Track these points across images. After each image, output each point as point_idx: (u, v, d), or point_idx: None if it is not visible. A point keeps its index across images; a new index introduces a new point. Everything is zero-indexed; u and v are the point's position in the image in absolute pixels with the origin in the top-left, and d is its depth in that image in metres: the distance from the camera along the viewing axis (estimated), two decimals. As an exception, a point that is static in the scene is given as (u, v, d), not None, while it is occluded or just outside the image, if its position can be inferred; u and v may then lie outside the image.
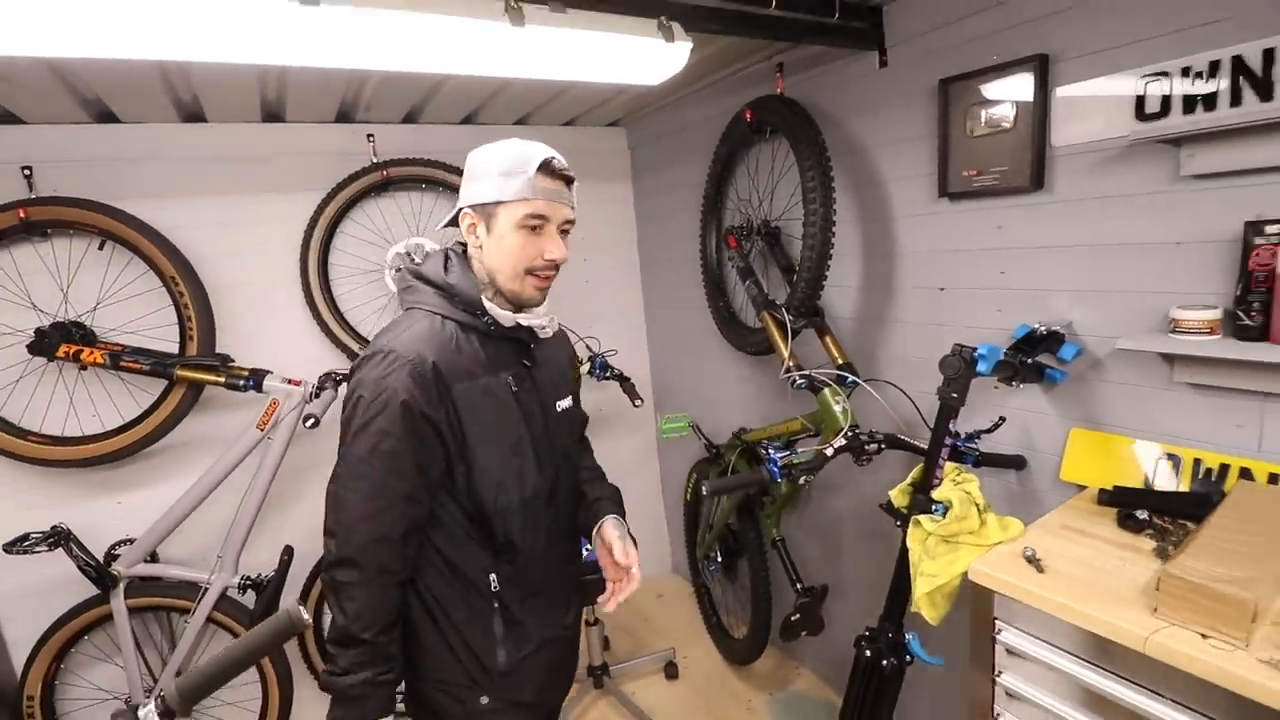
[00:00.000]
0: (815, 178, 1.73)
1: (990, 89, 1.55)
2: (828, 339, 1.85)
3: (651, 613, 2.93)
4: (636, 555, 1.20)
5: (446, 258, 1.14)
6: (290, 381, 1.96)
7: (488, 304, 1.10)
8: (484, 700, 1.14)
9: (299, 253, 2.24)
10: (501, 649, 1.13)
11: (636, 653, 2.58)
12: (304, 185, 2.23)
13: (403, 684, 1.12)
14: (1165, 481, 1.36)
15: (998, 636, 1.21)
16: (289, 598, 2.08)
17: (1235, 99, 1.18)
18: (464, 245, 1.15)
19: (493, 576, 1.12)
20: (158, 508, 1.93)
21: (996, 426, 1.57)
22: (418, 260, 1.85)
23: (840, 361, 1.79)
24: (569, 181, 1.11)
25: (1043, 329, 1.47)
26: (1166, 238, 1.32)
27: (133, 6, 0.94)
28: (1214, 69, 1.20)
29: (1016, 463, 1.63)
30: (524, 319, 1.12)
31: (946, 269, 1.76)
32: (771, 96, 1.95)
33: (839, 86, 1.95)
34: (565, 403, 1.23)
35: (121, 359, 1.84)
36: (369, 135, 2.30)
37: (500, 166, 1.07)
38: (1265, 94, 1.14)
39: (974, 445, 1.55)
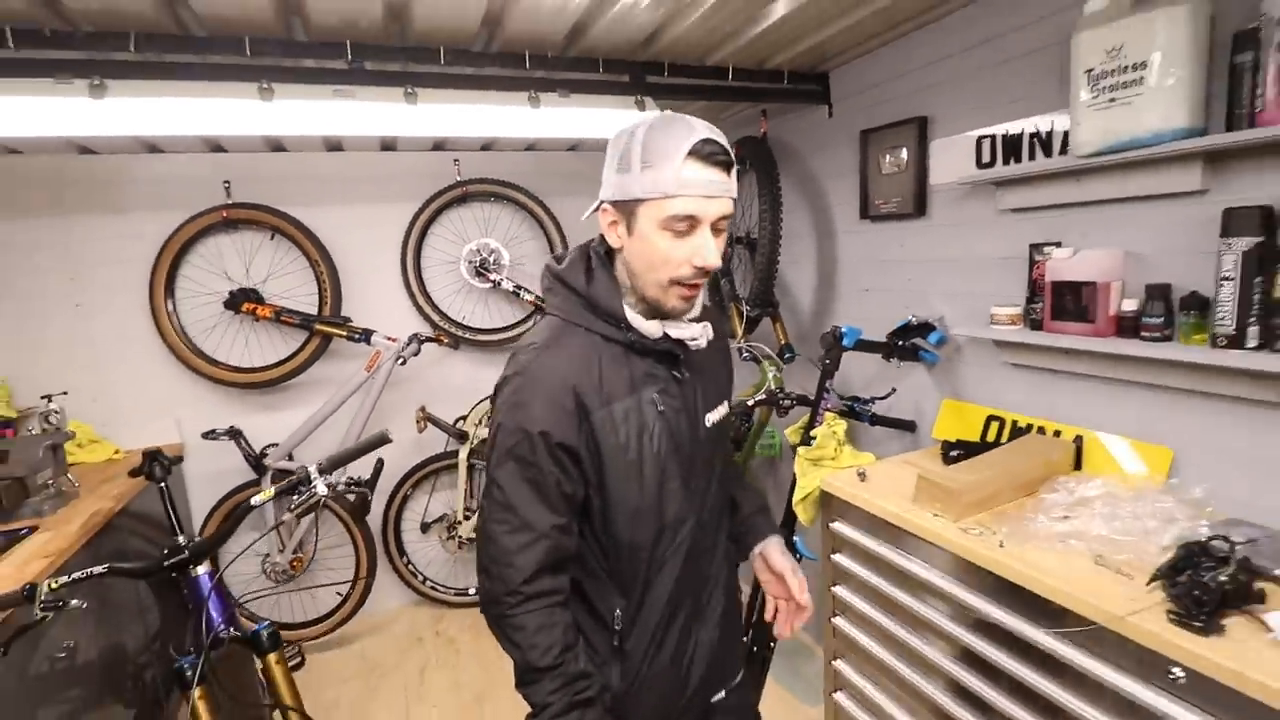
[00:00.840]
0: (768, 202, 2.28)
1: (892, 139, 2.06)
2: (777, 325, 2.40)
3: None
4: (798, 578, 1.13)
5: (588, 259, 1.00)
6: (389, 338, 2.72)
7: (630, 315, 0.96)
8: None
9: (400, 246, 3.01)
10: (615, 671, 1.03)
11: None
12: (407, 197, 3.00)
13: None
14: (991, 436, 1.82)
15: (832, 526, 1.74)
16: (379, 500, 2.85)
17: (1030, 156, 1.65)
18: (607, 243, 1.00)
19: (617, 613, 1.01)
20: (295, 423, 2.75)
21: (889, 395, 2.07)
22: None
23: (782, 341, 2.34)
24: (728, 167, 0.91)
25: (915, 320, 1.96)
26: (994, 254, 1.79)
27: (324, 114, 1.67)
28: (1018, 136, 1.68)
29: (909, 426, 2.11)
30: (673, 330, 0.98)
31: (871, 274, 2.26)
32: (748, 137, 2.51)
33: (803, 130, 2.49)
34: (718, 414, 1.09)
35: (281, 315, 2.67)
36: (455, 159, 3.04)
37: (641, 154, 0.88)
38: (1047, 153, 1.61)
39: (868, 407, 2.05)
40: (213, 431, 2.61)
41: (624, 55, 2.00)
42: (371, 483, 2.56)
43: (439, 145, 3.03)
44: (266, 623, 1.51)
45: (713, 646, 1.09)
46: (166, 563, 1.39)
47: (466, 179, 3.04)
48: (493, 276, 3.04)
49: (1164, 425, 1.45)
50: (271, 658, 1.42)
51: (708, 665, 1.09)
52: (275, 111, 1.65)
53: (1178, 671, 1.00)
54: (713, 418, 1.08)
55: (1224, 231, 1.24)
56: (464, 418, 3.04)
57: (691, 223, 0.90)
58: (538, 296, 3.09)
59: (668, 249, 0.91)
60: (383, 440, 1.64)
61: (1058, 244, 1.61)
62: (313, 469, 1.51)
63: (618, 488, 0.97)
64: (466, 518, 3.06)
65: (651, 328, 0.97)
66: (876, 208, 2.15)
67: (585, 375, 0.94)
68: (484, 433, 2.99)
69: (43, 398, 2.24)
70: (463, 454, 3.03)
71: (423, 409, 2.94)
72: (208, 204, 2.67)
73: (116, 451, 2.57)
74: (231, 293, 2.70)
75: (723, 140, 0.91)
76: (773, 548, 1.16)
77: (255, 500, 1.48)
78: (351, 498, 2.80)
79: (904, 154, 2.02)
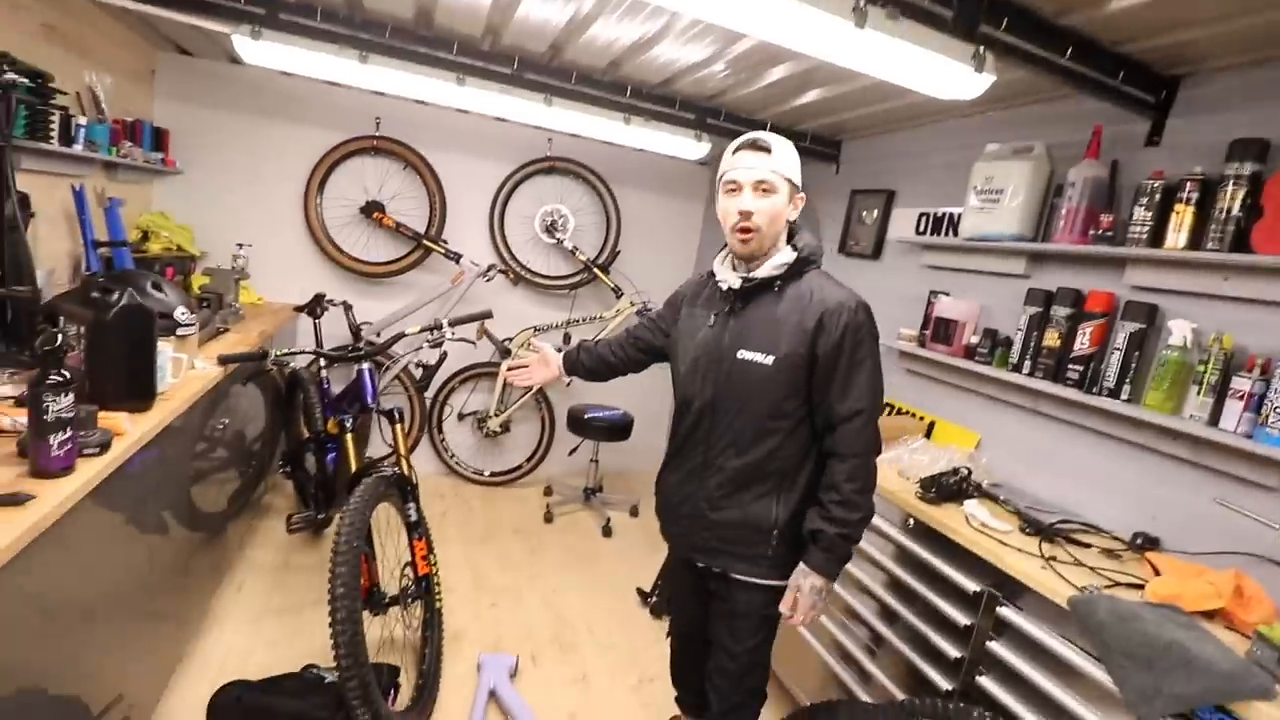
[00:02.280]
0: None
1: (870, 201, 2.87)
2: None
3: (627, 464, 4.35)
4: (807, 614, 1.40)
5: None
6: (473, 262, 3.57)
7: (718, 265, 1.47)
8: None
9: (493, 195, 3.85)
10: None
11: (620, 493, 4.00)
12: (507, 159, 3.83)
13: None
14: (887, 413, 2.63)
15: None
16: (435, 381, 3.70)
17: (946, 233, 2.46)
18: None
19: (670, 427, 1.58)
20: (388, 310, 3.60)
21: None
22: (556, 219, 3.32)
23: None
24: (765, 150, 1.33)
25: (854, 328, 2.76)
26: (912, 293, 2.60)
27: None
28: (941, 216, 2.48)
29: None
30: (721, 274, 1.44)
31: (837, 294, 3.08)
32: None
33: (817, 181, 3.30)
34: (754, 355, 1.37)
35: (400, 226, 3.52)
36: (549, 138, 3.86)
37: (724, 154, 1.41)
38: (955, 233, 2.42)
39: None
40: (331, 300, 3.46)
41: (696, 101, 2.82)
42: (436, 366, 3.30)
43: (539, 124, 3.85)
44: (399, 406, 2.33)
45: (706, 513, 1.46)
46: (351, 353, 2.24)
47: (555, 155, 3.86)
48: (558, 235, 3.87)
49: (978, 417, 2.27)
50: (398, 426, 2.24)
51: (698, 524, 1.49)
52: (463, 94, 2.50)
53: (911, 521, 1.83)
54: (746, 355, 1.38)
55: (1025, 301, 2.05)
56: (510, 339, 3.87)
57: (736, 186, 1.35)
58: (589, 258, 3.92)
59: (725, 204, 1.38)
60: (487, 314, 2.48)
61: (947, 294, 2.43)
62: (444, 320, 2.34)
63: (674, 355, 1.54)
64: (495, 415, 3.91)
65: (721, 271, 1.45)
66: (850, 247, 2.96)
67: (693, 287, 1.58)
68: (525, 353, 3.83)
69: (237, 244, 3.07)
70: (504, 366, 3.85)
71: (483, 324, 3.77)
72: (362, 131, 3.51)
73: (259, 299, 3.43)
74: (367, 202, 3.55)
75: (769, 138, 1.35)
76: (802, 577, 1.39)
77: (408, 330, 2.31)
78: (418, 374, 3.64)
79: (876, 213, 2.83)
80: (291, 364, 3.07)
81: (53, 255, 2.39)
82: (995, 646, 1.53)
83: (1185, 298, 1.72)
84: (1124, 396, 1.76)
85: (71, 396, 1.27)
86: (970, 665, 1.59)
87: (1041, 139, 2.07)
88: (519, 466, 4.05)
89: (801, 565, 1.40)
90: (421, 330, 2.36)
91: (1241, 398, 1.51)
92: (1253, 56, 1.66)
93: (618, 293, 3.89)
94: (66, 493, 1.22)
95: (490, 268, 3.59)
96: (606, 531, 3.56)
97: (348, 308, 3.48)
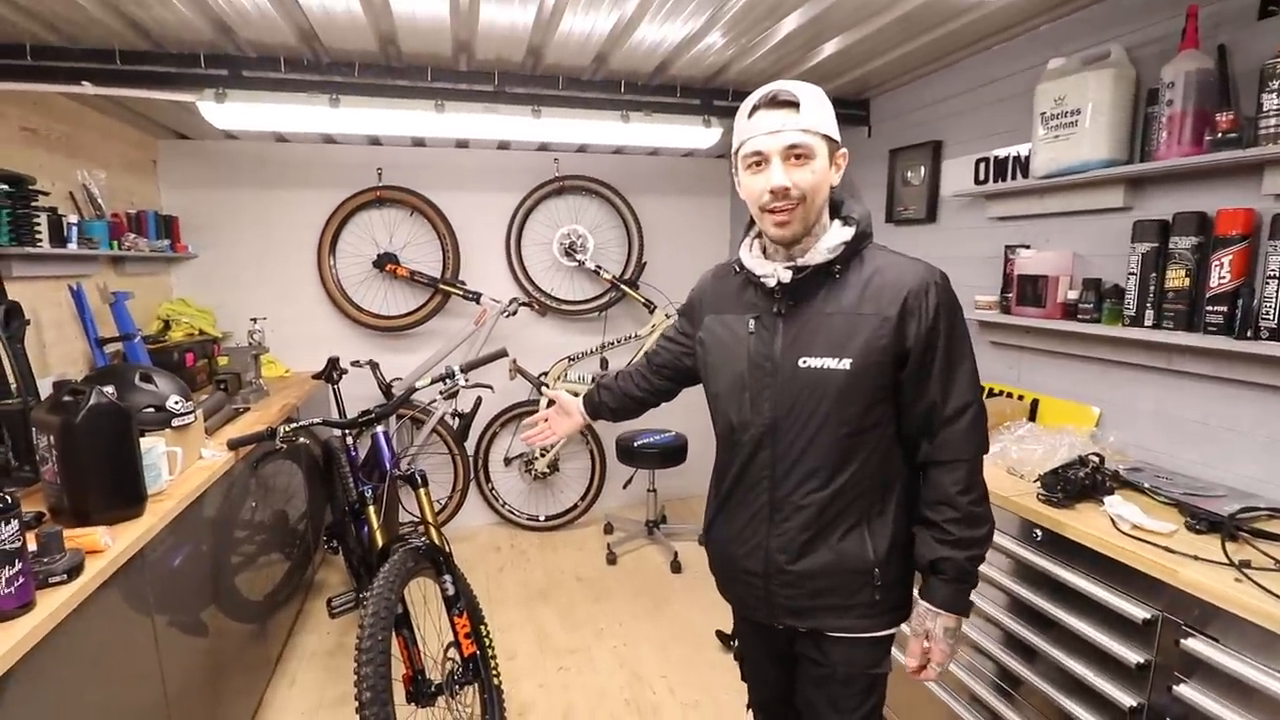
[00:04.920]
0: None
1: (914, 158, 2.51)
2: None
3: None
4: (942, 663, 1.14)
5: None
6: (494, 300, 3.38)
7: (745, 254, 1.17)
8: None
9: (506, 228, 3.67)
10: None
11: (685, 521, 3.71)
12: (515, 188, 3.65)
13: None
14: (972, 400, 2.25)
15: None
16: (474, 430, 3.51)
17: (1012, 177, 2.08)
18: None
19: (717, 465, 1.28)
20: (417, 362, 3.45)
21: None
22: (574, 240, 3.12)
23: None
24: (793, 106, 1.04)
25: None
26: (981, 253, 2.23)
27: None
28: (1005, 159, 2.11)
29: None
30: (757, 267, 1.13)
31: (892, 269, 2.71)
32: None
33: (852, 148, 2.94)
34: (822, 362, 1.09)
35: (414, 275, 3.38)
36: (555, 159, 3.67)
37: (735, 121, 1.11)
38: (1025, 175, 2.04)
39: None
40: (357, 361, 3.33)
41: (696, 83, 2.54)
42: (472, 414, 3.14)
43: (544, 146, 3.66)
44: (421, 468, 2.13)
45: (785, 566, 1.15)
46: (363, 418, 2.05)
47: (564, 175, 3.66)
48: (578, 257, 3.65)
49: (1093, 389, 1.87)
50: (422, 492, 2.03)
51: (776, 580, 1.16)
52: (445, 121, 2.30)
53: (1039, 534, 1.46)
54: (811, 362, 1.09)
55: (1133, 238, 1.66)
56: (545, 373, 3.66)
57: (761, 158, 1.06)
58: (614, 276, 3.68)
59: (749, 183, 1.09)
60: (502, 354, 2.25)
61: (1026, 246, 2.04)
62: (456, 366, 2.13)
63: (707, 375, 1.24)
64: (542, 455, 3.69)
65: (754, 263, 1.14)
66: (899, 213, 2.60)
67: (710, 290, 1.27)
68: (562, 386, 3.61)
69: (251, 319, 2.99)
70: (543, 403, 3.65)
71: (514, 361, 3.58)
72: (365, 185, 3.40)
73: (286, 371, 3.34)
74: (379, 255, 3.42)
75: (792, 87, 1.04)
76: (930, 619, 1.13)
77: (418, 384, 2.11)
78: (455, 424, 3.47)
79: (922, 170, 2.47)
80: (308, 437, 2.94)
81: (65, 359, 2.33)
82: (1187, 692, 1.15)
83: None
84: (1296, 336, 1.36)
85: (15, 524, 1.10)
86: (1152, 716, 1.21)
87: (1118, 41, 1.70)
88: (575, 506, 3.81)
89: (925, 606, 1.14)
90: (433, 382, 2.15)
91: None
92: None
93: (650, 307, 3.63)
94: (19, 636, 1.05)
95: (512, 302, 3.39)
96: (675, 567, 3.26)
97: (374, 366, 3.34)
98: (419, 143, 3.49)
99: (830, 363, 1.09)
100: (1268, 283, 1.39)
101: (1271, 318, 1.39)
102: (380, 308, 3.52)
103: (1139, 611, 1.23)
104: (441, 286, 3.42)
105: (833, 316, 1.09)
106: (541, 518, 3.80)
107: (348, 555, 2.79)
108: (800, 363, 1.10)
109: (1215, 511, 1.32)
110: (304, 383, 3.12)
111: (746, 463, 1.17)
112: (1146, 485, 1.50)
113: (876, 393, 1.09)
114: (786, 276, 1.10)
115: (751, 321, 1.15)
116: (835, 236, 1.11)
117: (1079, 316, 1.82)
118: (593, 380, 3.56)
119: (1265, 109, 1.38)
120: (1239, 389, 1.54)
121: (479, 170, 3.61)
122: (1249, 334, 1.43)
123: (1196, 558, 1.19)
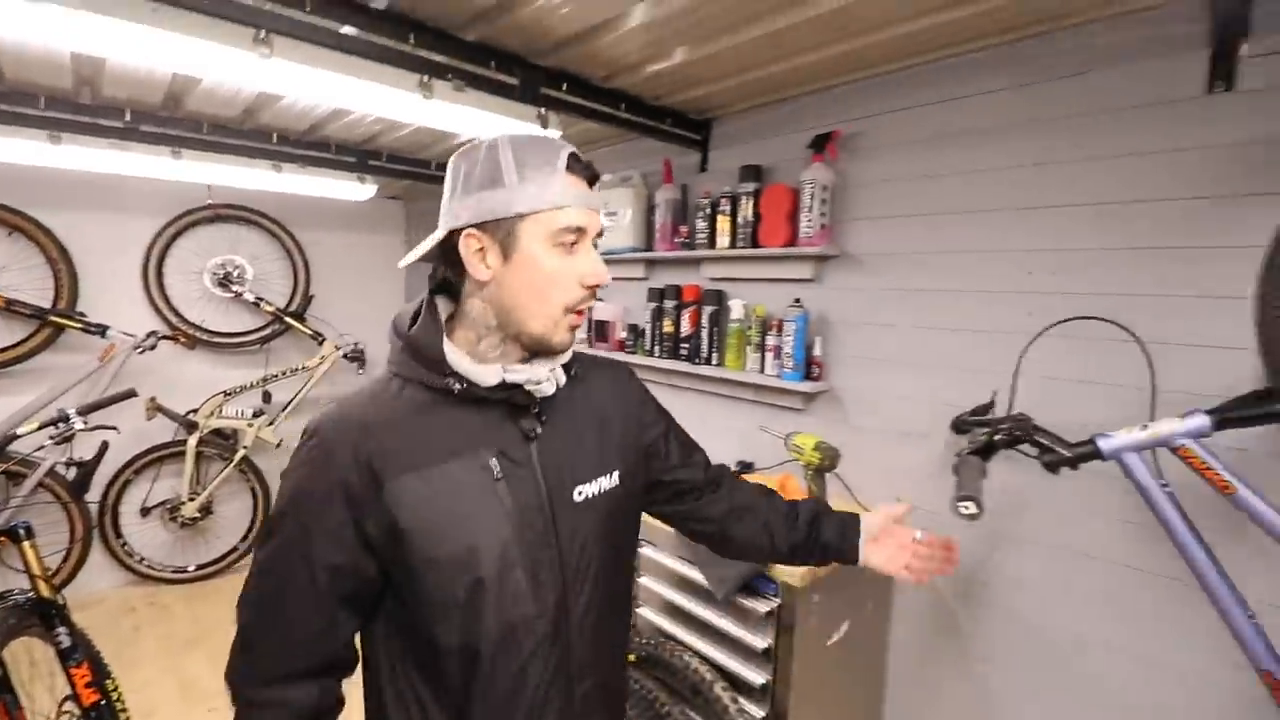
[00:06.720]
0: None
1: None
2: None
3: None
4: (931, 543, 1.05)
5: (430, 299, 0.86)
6: (125, 334, 3.15)
7: (457, 358, 0.81)
8: None
9: (143, 256, 3.43)
10: None
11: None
12: (156, 212, 3.43)
13: None
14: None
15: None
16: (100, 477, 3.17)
17: (593, 249, 2.91)
18: (446, 281, 0.88)
19: None
20: (19, 403, 2.99)
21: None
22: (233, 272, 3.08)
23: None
24: (595, 181, 0.85)
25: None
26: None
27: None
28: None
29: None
30: (513, 375, 0.81)
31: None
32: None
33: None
34: (596, 485, 0.88)
35: (10, 305, 2.96)
36: (208, 186, 3.55)
37: (515, 166, 0.78)
38: (600, 249, 2.88)
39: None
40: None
41: (351, 144, 2.89)
42: (94, 462, 2.82)
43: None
44: (23, 520, 1.98)
45: None
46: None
47: (220, 203, 3.58)
48: (235, 287, 3.59)
49: (638, 399, 2.74)
50: (25, 544, 1.90)
51: None
52: (63, 153, 2.24)
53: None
54: (587, 489, 0.86)
55: (648, 299, 2.55)
56: (195, 410, 3.49)
57: (579, 235, 0.81)
58: (278, 308, 3.71)
59: (555, 269, 0.79)
60: (130, 394, 2.25)
61: (601, 300, 2.88)
62: (72, 410, 2.08)
63: (431, 577, 0.78)
64: (191, 499, 3.48)
65: (483, 372, 0.81)
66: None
67: (388, 433, 0.79)
68: (216, 423, 3.48)
69: None
70: (191, 442, 3.45)
71: (153, 399, 3.33)
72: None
73: None
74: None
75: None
76: (879, 516, 1.06)
77: (20, 430, 2.01)
78: (71, 474, 3.12)
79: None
80: None
81: None
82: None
83: (737, 283, 2.33)
84: (714, 362, 2.32)
85: None
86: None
87: (636, 169, 2.60)
88: (234, 549, 3.66)
89: (864, 520, 1.06)
90: (42, 426, 2.06)
91: (772, 350, 2.12)
92: (752, 103, 2.30)
93: (319, 339, 3.75)
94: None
95: (150, 335, 3.20)
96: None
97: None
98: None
99: (604, 483, 0.89)
100: (703, 330, 2.34)
101: (704, 350, 2.34)
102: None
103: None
104: (51, 319, 3.06)
105: (584, 423, 0.90)
106: (191, 568, 3.56)
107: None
108: (576, 496, 0.86)
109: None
110: None
111: (519, 674, 0.81)
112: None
113: (643, 499, 1.00)
114: (564, 379, 0.86)
115: (494, 460, 0.81)
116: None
117: (626, 349, 2.67)
118: (254, 415, 3.53)
119: (699, 228, 2.34)
120: (698, 395, 2.50)
121: (113, 191, 3.30)
122: (698, 360, 2.37)
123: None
